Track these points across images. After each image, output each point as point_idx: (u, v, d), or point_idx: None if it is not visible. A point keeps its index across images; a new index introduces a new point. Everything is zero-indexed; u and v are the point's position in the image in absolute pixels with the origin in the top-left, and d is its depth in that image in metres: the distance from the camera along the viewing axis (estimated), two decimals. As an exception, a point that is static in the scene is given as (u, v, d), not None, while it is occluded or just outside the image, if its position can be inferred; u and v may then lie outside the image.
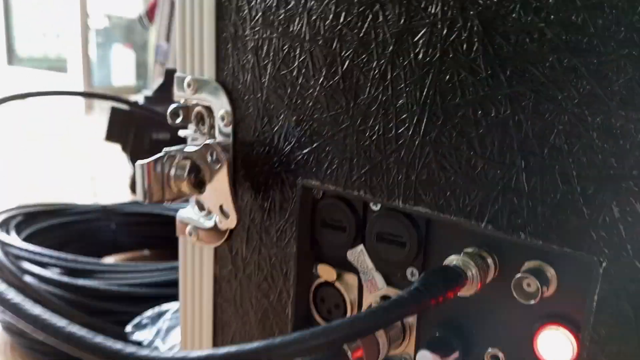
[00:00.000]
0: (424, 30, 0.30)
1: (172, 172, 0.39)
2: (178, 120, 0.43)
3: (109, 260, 1.25)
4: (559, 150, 0.26)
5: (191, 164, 0.38)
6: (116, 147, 1.80)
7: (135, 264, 0.82)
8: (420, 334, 0.36)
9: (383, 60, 0.31)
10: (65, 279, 0.76)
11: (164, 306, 0.73)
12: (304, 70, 0.35)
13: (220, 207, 0.39)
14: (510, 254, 0.31)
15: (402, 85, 0.31)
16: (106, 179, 2.01)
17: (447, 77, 0.29)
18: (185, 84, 0.42)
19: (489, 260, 0.31)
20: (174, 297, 0.74)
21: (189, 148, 0.38)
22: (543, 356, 0.30)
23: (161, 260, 0.94)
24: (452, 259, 0.30)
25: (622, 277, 0.25)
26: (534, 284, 0.28)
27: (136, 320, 0.72)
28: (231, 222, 0.39)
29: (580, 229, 0.26)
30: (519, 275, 0.29)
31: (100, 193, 1.86)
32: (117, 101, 1.13)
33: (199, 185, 0.39)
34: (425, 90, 0.30)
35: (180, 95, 0.43)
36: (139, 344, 0.71)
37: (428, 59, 0.30)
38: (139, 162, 0.37)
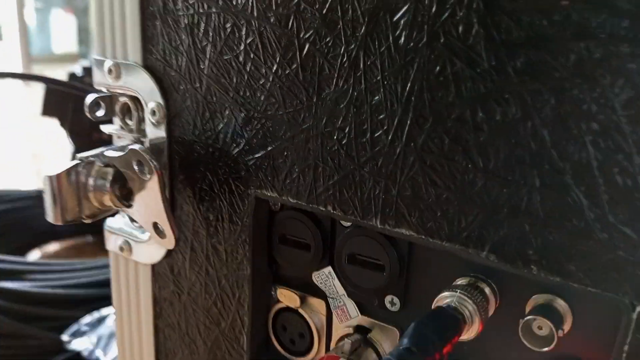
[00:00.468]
0: (406, 6, 0.23)
1: (91, 182, 0.31)
2: (100, 114, 0.35)
3: (49, 248, 1.16)
4: (585, 166, 0.20)
5: (115, 173, 0.31)
6: (56, 123, 1.67)
7: (71, 261, 0.74)
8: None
9: (353, 45, 0.24)
10: (-9, 283, 0.67)
11: (104, 310, 0.65)
12: (252, 56, 0.28)
13: (154, 225, 0.31)
14: (513, 281, 0.25)
15: (379, 77, 0.24)
16: (49, 156, 1.87)
17: (438, 68, 0.23)
18: (105, 70, 0.34)
19: (487, 291, 0.25)
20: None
21: (110, 152, 0.31)
22: (553, 406, 0.25)
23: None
24: (445, 298, 0.24)
25: (664, 327, 0.20)
26: (547, 326, 0.23)
27: (74, 327, 0.64)
28: (168, 243, 0.32)
29: (609, 264, 0.21)
30: (528, 317, 0.23)
31: (42, 172, 1.74)
32: (50, 83, 1.01)
33: (127, 197, 0.32)
34: (409, 84, 0.23)
35: (102, 83, 0.35)
36: (77, 354, 0.63)
37: (412, 44, 0.23)
38: (47, 173, 0.29)
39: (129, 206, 0.32)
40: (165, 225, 0.31)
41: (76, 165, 0.30)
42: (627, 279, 0.20)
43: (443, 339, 0.22)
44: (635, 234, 0.20)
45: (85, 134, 1.64)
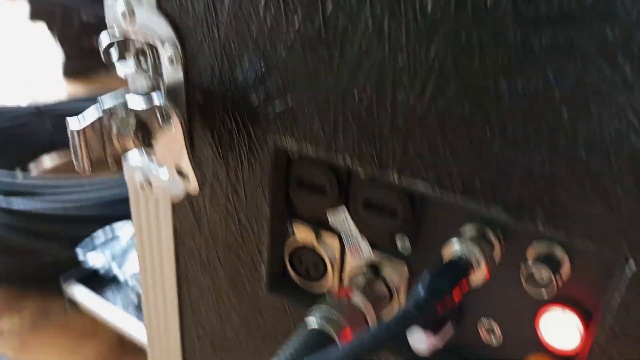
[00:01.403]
0: (435, -30, 0.23)
1: (115, 131, 0.32)
2: (114, 59, 0.35)
3: (47, 161, 1.17)
4: (598, 139, 0.22)
5: (138, 122, 0.32)
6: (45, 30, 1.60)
7: (79, 180, 0.75)
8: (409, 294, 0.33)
9: (379, 9, 0.25)
10: (1, 202, 0.69)
11: (116, 227, 0.68)
12: (273, 11, 0.28)
13: (178, 170, 0.33)
14: (516, 229, 0.28)
15: (403, 42, 0.25)
16: (38, 64, 1.81)
17: (463, 37, 0.23)
18: (119, 13, 0.33)
19: (493, 239, 0.28)
20: (124, 216, 0.69)
21: (133, 104, 0.31)
22: (545, 337, 0.28)
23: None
24: (455, 248, 0.27)
25: (652, 282, 0.23)
26: (548, 275, 0.26)
27: (88, 243, 0.67)
28: (192, 188, 0.34)
29: (611, 227, 0.23)
30: (528, 263, 0.26)
31: (33, 80, 1.69)
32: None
33: (149, 142, 0.33)
34: (434, 49, 0.24)
35: (115, 26, 0.34)
36: (92, 269, 0.67)
37: (439, 12, 0.23)
38: (73, 127, 0.30)
39: (152, 149, 0.33)
40: (188, 170, 0.32)
41: (100, 117, 0.31)
42: (626, 240, 0.23)
43: (454, 286, 0.24)
44: (636, 202, 0.22)
45: (74, 39, 1.58)
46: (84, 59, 1.56)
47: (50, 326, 0.77)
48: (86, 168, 0.31)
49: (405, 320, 0.23)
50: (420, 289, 0.24)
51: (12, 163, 0.97)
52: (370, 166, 0.28)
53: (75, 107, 1.09)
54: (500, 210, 0.25)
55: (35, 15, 1.31)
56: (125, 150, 0.33)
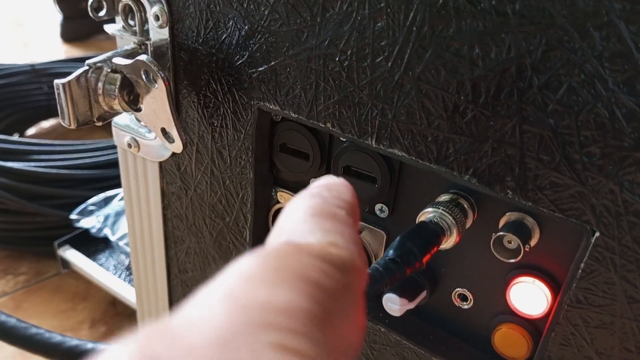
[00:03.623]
0: None
1: (100, 86, 0.32)
2: (101, 14, 0.35)
3: (46, 125, 1.17)
4: (566, 108, 0.22)
5: (122, 79, 0.32)
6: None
7: (73, 142, 0.76)
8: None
9: (360, -30, 0.25)
10: (-3, 162, 0.70)
11: (109, 191, 0.69)
12: (257, -29, 0.28)
13: (163, 130, 0.33)
14: (490, 198, 0.28)
15: (383, 4, 0.25)
16: (36, 27, 1.81)
17: (441, 1, 0.23)
18: (106, -30, 0.33)
19: (466, 206, 0.28)
20: (119, 179, 0.70)
21: (118, 60, 0.32)
22: (514, 304, 0.29)
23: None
24: (428, 213, 0.27)
25: (613, 251, 0.23)
26: (515, 241, 0.26)
27: (81, 206, 0.68)
28: (176, 147, 0.34)
29: (576, 196, 0.23)
30: (499, 233, 0.26)
31: (30, 43, 1.69)
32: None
33: (135, 101, 0.33)
34: (412, 14, 0.24)
35: (102, -19, 0.34)
36: (85, 231, 0.68)
37: (418, -25, 0.23)
38: (58, 81, 0.30)
39: (138, 110, 0.33)
40: (173, 130, 0.33)
41: (85, 71, 0.31)
42: (590, 209, 0.23)
43: (423, 250, 0.25)
44: (602, 173, 0.22)
45: (73, 1, 1.58)
46: (83, 22, 1.56)
47: (44, 288, 0.78)
48: (72, 123, 0.32)
49: (373, 279, 0.23)
50: (390, 250, 0.25)
51: (8, 129, 0.98)
52: (350, 132, 0.29)
53: (71, 67, 1.09)
54: (472, 179, 0.26)
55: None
56: (112, 110, 0.34)
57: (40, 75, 1.07)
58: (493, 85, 0.23)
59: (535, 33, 0.22)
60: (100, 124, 0.33)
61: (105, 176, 0.72)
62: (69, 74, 0.31)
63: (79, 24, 1.59)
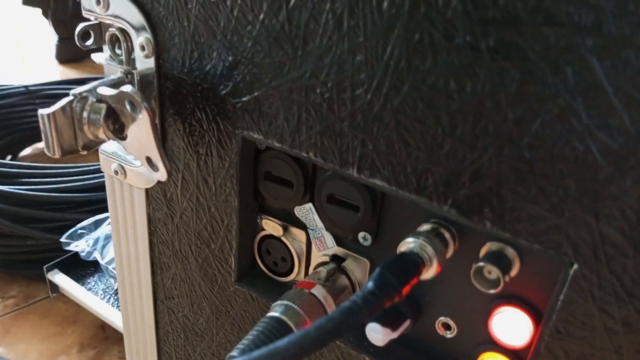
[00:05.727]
0: (391, -30, 0.23)
1: (85, 116, 0.32)
2: (89, 42, 0.36)
3: (40, 146, 1.17)
4: (541, 141, 0.22)
5: (107, 109, 0.32)
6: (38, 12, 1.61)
7: (64, 164, 0.76)
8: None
9: (339, 4, 0.25)
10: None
11: (100, 216, 0.69)
12: (240, 2, 0.28)
13: (147, 159, 0.33)
14: (471, 228, 0.28)
15: (362, 39, 0.25)
16: (33, 47, 1.82)
17: (417, 36, 0.24)
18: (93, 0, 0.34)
19: (447, 236, 0.28)
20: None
21: (103, 90, 0.32)
22: (496, 334, 0.29)
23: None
24: (409, 243, 0.27)
25: (592, 283, 0.23)
26: (495, 272, 0.26)
27: (71, 230, 0.68)
28: (161, 176, 0.34)
29: (554, 228, 0.23)
30: (479, 263, 0.26)
31: (28, 63, 1.70)
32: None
33: (120, 130, 0.33)
34: (390, 48, 0.25)
35: (91, 12, 0.35)
36: (76, 254, 0.68)
37: (394, 10, 0.24)
38: (42, 111, 0.30)
39: (123, 139, 0.33)
40: (157, 159, 0.33)
41: (70, 101, 0.31)
42: (567, 241, 0.23)
43: (403, 281, 0.25)
44: (578, 205, 0.22)
45: (68, 22, 1.59)
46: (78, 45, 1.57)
47: (34, 312, 0.78)
48: (56, 153, 0.32)
49: (351, 311, 0.23)
50: (369, 282, 0.25)
51: (1, 151, 0.97)
52: (331, 162, 0.29)
53: (65, 89, 1.10)
54: (451, 210, 0.26)
55: (28, 1, 1.31)
56: (97, 138, 0.34)
57: (35, 97, 1.07)
58: (469, 118, 0.24)
59: (509, 68, 0.22)
60: (85, 152, 0.33)
61: (97, 199, 0.72)
62: (63, 95, 0.31)
63: (73, 46, 1.61)
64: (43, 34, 1.80)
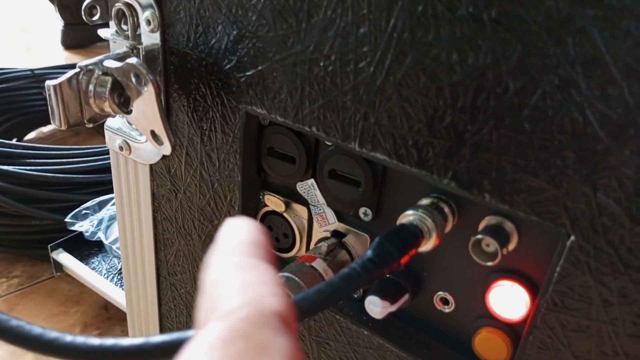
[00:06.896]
0: (396, -58, 0.24)
1: (91, 89, 0.33)
2: (95, 18, 0.36)
3: (45, 130, 1.18)
4: (541, 113, 0.23)
5: (113, 81, 0.32)
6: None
7: (69, 146, 0.76)
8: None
9: (343, -23, 0.25)
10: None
11: (105, 195, 0.69)
12: (245, -23, 0.28)
13: (152, 132, 0.34)
14: (470, 203, 0.29)
15: (365, 11, 0.25)
16: (38, 33, 1.83)
17: (420, 8, 0.24)
18: (99, -25, 0.34)
19: (447, 210, 0.29)
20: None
21: (109, 62, 0.32)
22: (494, 308, 0.29)
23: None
24: (408, 215, 0.27)
25: (588, 254, 0.24)
26: (493, 245, 0.27)
27: (76, 210, 0.68)
28: (165, 149, 0.35)
29: (552, 199, 0.24)
30: (478, 236, 0.27)
31: (33, 48, 1.71)
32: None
33: (125, 104, 0.34)
34: (393, 20, 0.25)
35: (96, -14, 0.35)
36: (80, 234, 0.68)
37: (398, -18, 0.24)
38: (49, 82, 0.31)
39: (128, 112, 0.34)
40: (162, 133, 0.33)
41: (77, 73, 0.32)
42: (565, 212, 0.24)
43: (402, 251, 0.25)
44: (577, 176, 0.23)
45: (73, 8, 1.59)
46: (83, 30, 1.58)
47: (38, 292, 0.78)
48: (62, 124, 0.32)
49: (350, 277, 0.23)
50: (369, 251, 0.25)
51: (7, 134, 0.98)
52: (334, 136, 0.29)
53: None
54: (451, 182, 0.26)
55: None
56: (103, 112, 0.34)
57: (40, 81, 1.08)
58: (470, 90, 0.24)
59: (511, 39, 0.22)
60: (90, 125, 0.34)
61: (100, 181, 0.73)
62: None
63: (79, 32, 1.61)
64: (49, 19, 1.80)
